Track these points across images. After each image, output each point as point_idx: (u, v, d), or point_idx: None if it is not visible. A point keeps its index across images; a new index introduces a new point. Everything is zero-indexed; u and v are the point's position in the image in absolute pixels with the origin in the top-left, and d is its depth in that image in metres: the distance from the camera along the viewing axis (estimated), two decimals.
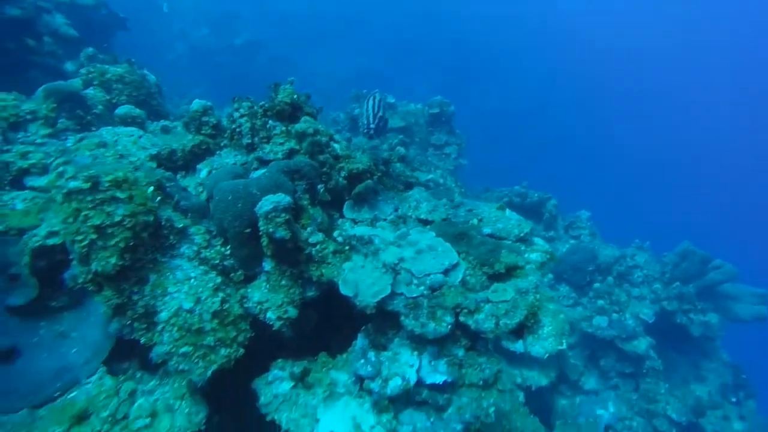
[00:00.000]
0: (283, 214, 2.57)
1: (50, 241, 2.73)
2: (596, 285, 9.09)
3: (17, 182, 3.29)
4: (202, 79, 18.92)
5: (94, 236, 2.36)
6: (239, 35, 21.96)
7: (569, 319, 3.02)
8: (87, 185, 2.33)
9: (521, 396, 6.96)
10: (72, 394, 2.57)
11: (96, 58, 5.46)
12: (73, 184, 2.33)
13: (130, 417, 2.52)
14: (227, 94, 3.99)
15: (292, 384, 2.74)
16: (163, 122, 4.00)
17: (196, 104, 3.87)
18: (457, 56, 27.46)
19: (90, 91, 4.61)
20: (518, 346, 8.68)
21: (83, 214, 2.34)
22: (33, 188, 3.26)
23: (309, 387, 2.75)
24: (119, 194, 2.39)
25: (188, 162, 3.65)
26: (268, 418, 2.64)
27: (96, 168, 2.38)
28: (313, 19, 25.78)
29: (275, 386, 2.73)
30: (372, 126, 3.68)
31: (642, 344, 8.22)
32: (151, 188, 2.56)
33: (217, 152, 3.61)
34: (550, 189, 10.97)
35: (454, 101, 11.84)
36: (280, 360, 2.87)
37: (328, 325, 3.19)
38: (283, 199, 2.57)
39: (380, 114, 3.73)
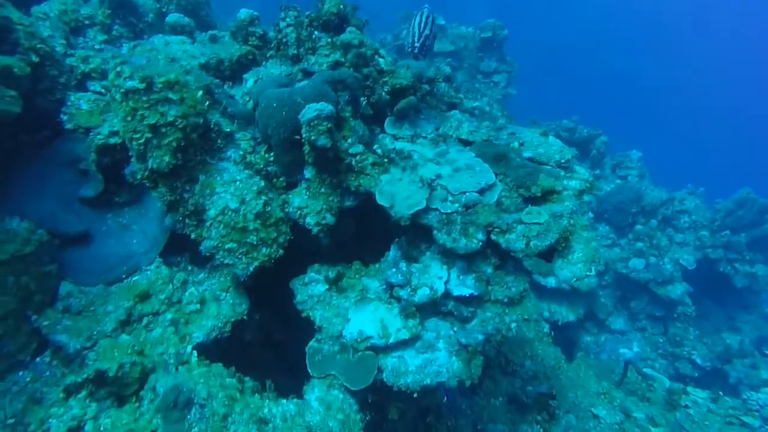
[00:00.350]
0: (326, 123, 2.62)
1: (112, 140, 2.92)
2: (638, 227, 8.86)
3: (81, 85, 3.46)
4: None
5: (149, 135, 2.51)
6: None
7: (603, 254, 3.02)
8: (142, 85, 2.45)
9: (546, 327, 7.14)
10: (135, 278, 2.89)
11: None
12: (129, 83, 2.45)
13: (183, 302, 2.82)
14: (274, 12, 3.88)
15: (327, 287, 2.95)
16: (211, 32, 4.01)
17: (243, 13, 3.85)
18: None
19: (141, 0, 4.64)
20: (549, 281, 8.76)
21: (139, 113, 2.48)
22: (95, 91, 3.43)
23: (342, 291, 2.95)
24: (171, 95, 2.50)
25: (235, 72, 3.70)
26: (303, 315, 2.88)
27: (150, 69, 2.49)
28: None
29: (311, 287, 2.95)
30: (417, 44, 3.42)
31: (677, 289, 8.11)
32: (201, 92, 2.65)
33: (263, 63, 3.64)
34: (603, 127, 10.40)
35: (508, 27, 11.11)
36: (316, 264, 3.07)
37: (364, 235, 3.34)
38: (325, 107, 2.61)
39: (426, 32, 3.45)
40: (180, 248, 3.08)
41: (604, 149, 10.56)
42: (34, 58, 2.90)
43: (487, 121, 3.72)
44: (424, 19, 3.50)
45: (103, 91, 3.43)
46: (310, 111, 2.61)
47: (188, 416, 1.94)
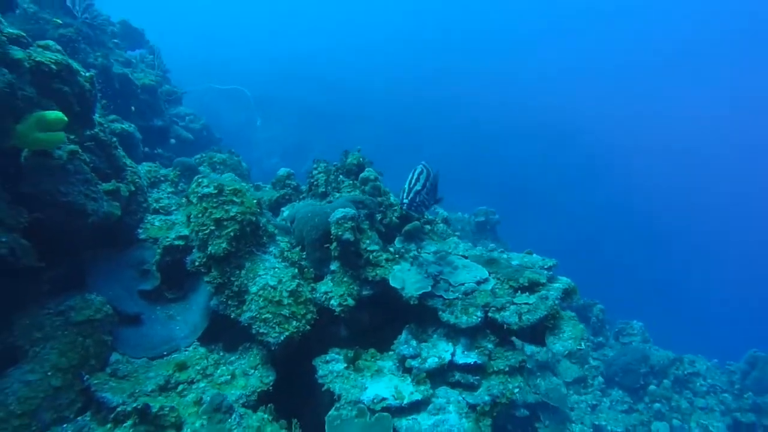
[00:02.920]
0: (350, 222, 3.40)
1: (176, 242, 3.67)
2: (651, 387, 8.67)
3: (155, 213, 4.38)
4: None
5: (213, 227, 3.27)
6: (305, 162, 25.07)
7: (586, 333, 3.37)
8: (215, 191, 3.33)
9: None
10: (174, 355, 3.25)
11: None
12: (206, 190, 3.34)
13: (215, 375, 3.13)
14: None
15: (345, 365, 3.26)
16: (255, 183, 5.16)
17: (282, 171, 5.03)
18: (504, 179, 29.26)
19: (202, 168, 5.98)
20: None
21: (209, 210, 3.29)
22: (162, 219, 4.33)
23: (359, 370, 3.25)
24: (235, 199, 3.35)
25: (273, 209, 4.67)
26: (324, 388, 3.13)
27: (221, 179, 3.40)
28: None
29: (332, 365, 3.26)
30: (406, 200, 3.38)
31: None
32: (255, 200, 3.51)
33: (297, 200, 4.62)
34: (595, 286, 11.06)
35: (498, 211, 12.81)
36: (336, 348, 3.44)
37: (378, 329, 3.74)
38: (350, 210, 3.43)
39: (417, 188, 3.41)
40: (215, 338, 3.51)
41: (603, 316, 10.98)
42: (132, 188, 3.87)
43: (480, 246, 4.47)
44: (416, 175, 3.49)
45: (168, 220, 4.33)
46: (338, 213, 3.42)
47: (229, 420, 2.16)
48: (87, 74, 3.58)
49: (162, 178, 5.19)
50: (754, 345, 9.12)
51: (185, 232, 3.69)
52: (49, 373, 2.73)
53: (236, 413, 2.22)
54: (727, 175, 34.63)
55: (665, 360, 9.08)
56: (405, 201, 3.38)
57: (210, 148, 11.11)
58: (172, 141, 7.63)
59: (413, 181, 3.42)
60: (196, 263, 3.34)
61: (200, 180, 3.41)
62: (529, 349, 8.92)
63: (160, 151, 7.20)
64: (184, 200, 3.89)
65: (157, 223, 4.03)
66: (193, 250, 3.41)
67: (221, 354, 3.40)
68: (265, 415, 2.44)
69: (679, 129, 36.50)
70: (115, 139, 3.97)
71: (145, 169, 5.02)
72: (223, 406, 2.21)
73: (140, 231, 3.91)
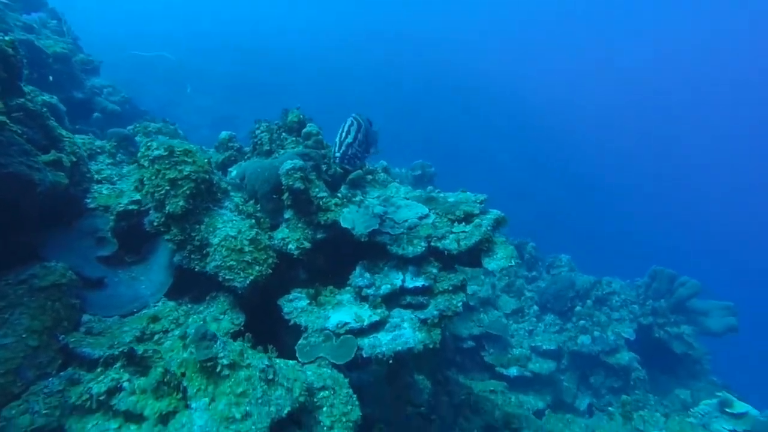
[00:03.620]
0: (299, 172, 3.65)
1: (130, 207, 3.75)
2: (577, 308, 9.84)
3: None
4: None
5: (168, 187, 3.41)
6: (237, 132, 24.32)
7: (515, 254, 3.92)
8: (166, 153, 3.44)
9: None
10: (144, 311, 3.43)
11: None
12: (156, 152, 3.44)
13: (188, 324, 3.36)
14: None
15: (308, 301, 3.61)
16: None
17: (224, 134, 5.11)
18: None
19: (138, 138, 5.87)
20: (511, 371, 9.33)
21: (162, 172, 3.41)
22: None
23: (321, 305, 3.61)
24: (187, 159, 3.49)
25: (220, 170, 4.78)
26: (291, 323, 3.47)
27: (170, 141, 3.51)
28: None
29: (295, 302, 3.59)
30: (338, 154, 3.36)
31: (625, 356, 8.83)
32: (206, 159, 3.66)
33: (243, 160, 4.76)
34: (527, 228, 12.10)
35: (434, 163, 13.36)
36: (297, 288, 3.76)
37: (333, 272, 4.10)
38: (298, 161, 3.68)
39: (348, 140, 3.37)
40: (181, 295, 3.71)
41: (535, 253, 12.07)
42: (73, 158, 3.84)
43: (420, 190, 4.89)
44: (346, 127, 3.42)
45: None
46: (287, 164, 3.66)
47: (215, 346, 2.45)
48: (6, 38, 3.48)
49: (98, 150, 5.10)
50: (655, 263, 10.52)
51: (137, 197, 3.78)
52: (24, 336, 2.84)
53: (220, 340, 2.51)
54: (638, 130, 37.64)
55: (588, 284, 10.26)
56: (337, 155, 3.36)
57: (139, 120, 10.65)
58: (96, 114, 7.28)
59: (343, 134, 3.39)
60: (155, 223, 3.48)
61: (149, 144, 3.49)
62: (471, 288, 9.77)
63: (81, 126, 6.88)
64: (134, 165, 3.94)
65: (105, 192, 4.06)
66: (150, 212, 3.53)
67: (190, 306, 3.61)
68: (245, 343, 2.75)
69: (597, 83, 38.97)
70: (45, 109, 3.89)
71: (80, 142, 4.89)
72: (208, 335, 2.48)
73: (88, 201, 3.93)
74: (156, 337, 3.19)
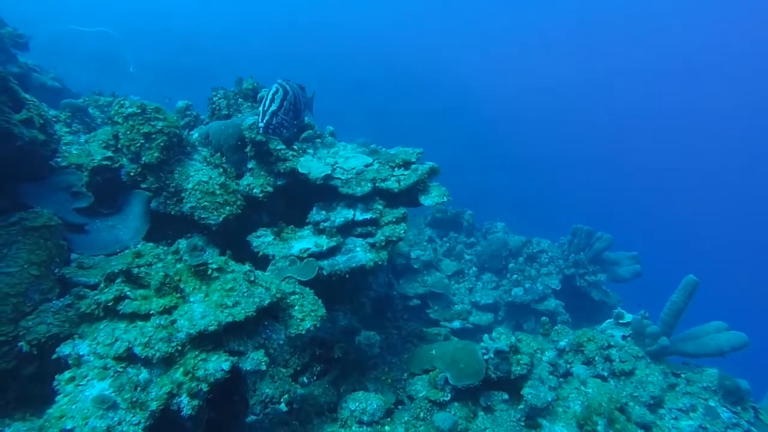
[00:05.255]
0: None
1: (104, 163, 4.13)
2: (511, 265, 11.00)
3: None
4: None
5: (143, 140, 3.85)
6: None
7: (447, 192, 4.66)
8: (139, 110, 3.87)
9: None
10: (127, 251, 3.87)
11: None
12: (129, 110, 3.86)
13: (168, 258, 3.84)
14: None
15: (273, 237, 4.20)
16: None
17: (181, 102, 5.51)
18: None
19: (90, 110, 6.09)
20: (455, 324, 10.22)
21: (136, 127, 3.85)
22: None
23: (284, 239, 4.22)
24: (158, 116, 3.94)
25: None
26: (260, 255, 4.05)
27: (141, 100, 3.94)
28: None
29: (262, 238, 4.17)
30: (261, 124, 3.27)
31: (552, 303, 10.06)
32: (176, 116, 4.11)
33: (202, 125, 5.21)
34: (465, 201, 13.15)
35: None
36: (263, 228, 4.33)
37: (293, 217, 4.70)
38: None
39: (272, 108, 3.26)
40: (158, 241, 4.16)
41: (472, 220, 13.14)
42: (41, 120, 4.15)
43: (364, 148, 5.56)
44: (271, 95, 3.31)
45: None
46: (249, 120, 4.20)
47: (204, 255, 3.00)
48: None
49: (54, 119, 5.32)
50: (577, 222, 11.89)
51: (109, 154, 4.17)
52: (26, 266, 3.24)
53: (208, 251, 3.06)
54: (566, 109, 40.56)
55: (519, 243, 11.43)
56: (260, 125, 3.26)
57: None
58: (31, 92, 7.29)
59: (267, 102, 3.26)
60: (132, 174, 3.92)
61: (122, 102, 3.90)
62: (415, 252, 10.63)
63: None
64: (97, 132, 4.29)
65: (74, 151, 4.38)
66: (126, 164, 3.96)
67: (166, 248, 4.08)
68: (226, 257, 3.30)
69: (527, 67, 41.49)
70: (4, 71, 4.15)
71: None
72: (198, 246, 3.02)
73: (59, 159, 4.25)
74: (143, 269, 3.65)
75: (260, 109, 3.30)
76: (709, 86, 39.44)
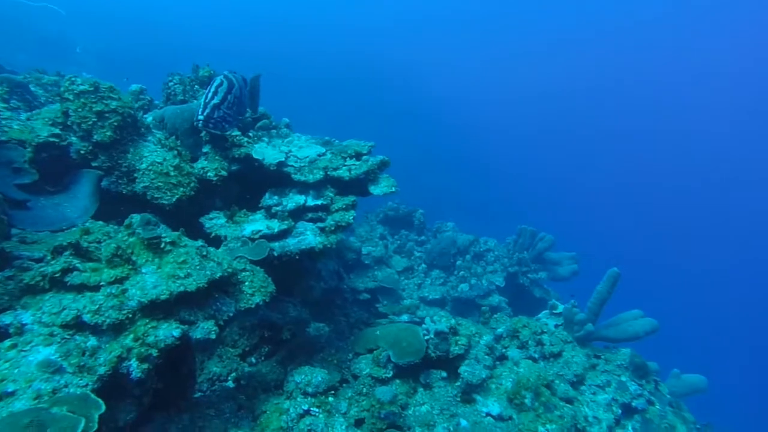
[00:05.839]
0: None
1: (51, 139, 4.09)
2: (458, 263, 11.48)
3: None
4: None
5: (95, 119, 3.86)
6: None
7: (396, 183, 4.94)
8: (91, 88, 3.88)
9: None
10: (74, 228, 3.85)
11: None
12: (81, 87, 3.86)
13: (119, 236, 3.87)
14: None
15: (226, 220, 4.30)
16: None
17: (135, 86, 5.48)
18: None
19: (32, 88, 5.91)
20: (403, 318, 10.31)
21: (88, 105, 3.85)
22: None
23: (237, 222, 4.33)
24: (112, 95, 3.96)
25: None
26: (212, 236, 4.15)
27: (93, 78, 3.95)
28: None
29: (215, 220, 4.27)
30: (201, 117, 3.12)
31: (495, 299, 10.59)
32: (130, 96, 4.14)
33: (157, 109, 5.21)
34: (419, 202, 13.57)
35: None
36: (215, 211, 4.43)
37: (246, 201, 4.81)
38: None
39: (215, 101, 3.12)
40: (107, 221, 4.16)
41: (423, 219, 13.55)
42: None
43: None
44: (214, 87, 3.16)
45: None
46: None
47: (158, 229, 3.09)
48: None
49: None
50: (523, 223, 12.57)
51: (56, 131, 4.13)
52: None
53: (162, 226, 3.16)
54: (517, 115, 42.46)
55: (467, 241, 11.93)
56: (200, 117, 3.11)
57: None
58: None
59: (210, 94, 3.12)
60: (82, 152, 3.91)
61: (73, 79, 3.89)
62: (366, 248, 10.89)
63: None
64: (41, 109, 4.23)
65: (15, 126, 4.29)
66: (75, 141, 3.95)
67: (116, 228, 4.09)
68: (179, 232, 3.39)
69: (488, 79, 43.12)
70: None
71: None
72: (152, 221, 3.10)
73: None
74: (92, 246, 3.66)
75: (201, 100, 3.12)
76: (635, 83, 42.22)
